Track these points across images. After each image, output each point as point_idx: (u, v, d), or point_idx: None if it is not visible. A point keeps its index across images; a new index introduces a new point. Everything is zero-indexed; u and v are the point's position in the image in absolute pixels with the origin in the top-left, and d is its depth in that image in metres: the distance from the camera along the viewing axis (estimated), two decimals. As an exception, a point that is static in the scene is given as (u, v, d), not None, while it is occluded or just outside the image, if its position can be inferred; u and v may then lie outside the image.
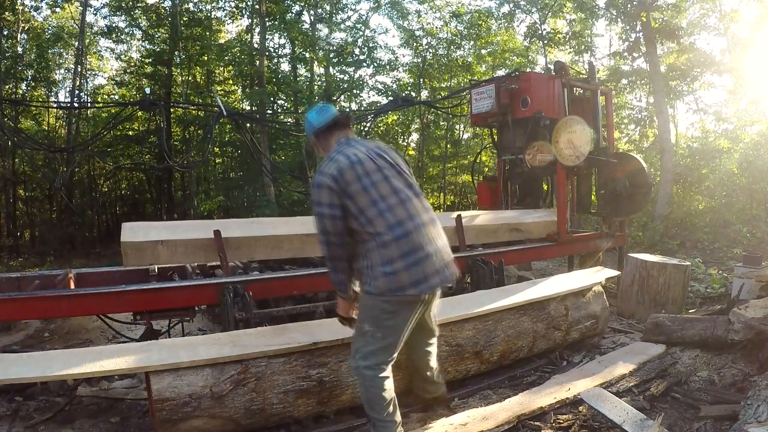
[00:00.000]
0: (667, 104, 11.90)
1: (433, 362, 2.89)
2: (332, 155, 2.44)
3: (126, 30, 15.32)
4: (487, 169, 14.47)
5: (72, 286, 4.18)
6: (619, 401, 2.99)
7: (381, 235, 2.30)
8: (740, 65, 12.72)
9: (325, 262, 2.47)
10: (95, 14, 18.14)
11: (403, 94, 15.56)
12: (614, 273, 4.92)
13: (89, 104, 15.09)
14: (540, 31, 14.64)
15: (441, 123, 17.13)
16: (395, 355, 2.49)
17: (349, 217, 2.34)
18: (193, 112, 14.49)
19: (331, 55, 16.03)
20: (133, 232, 3.83)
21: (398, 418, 2.52)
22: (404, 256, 2.29)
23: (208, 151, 12.70)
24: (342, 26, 16.48)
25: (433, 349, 2.88)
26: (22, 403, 3.26)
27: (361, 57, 16.04)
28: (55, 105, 14.72)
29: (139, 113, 13.22)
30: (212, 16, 16.07)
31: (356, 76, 16.62)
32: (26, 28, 14.58)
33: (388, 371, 2.46)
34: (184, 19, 14.76)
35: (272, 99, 15.53)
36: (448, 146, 17.18)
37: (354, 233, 2.39)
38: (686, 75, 12.53)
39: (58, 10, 15.43)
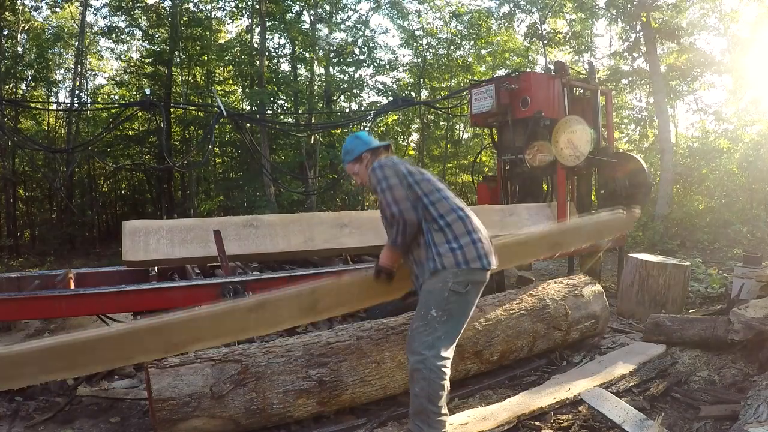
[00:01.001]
0: (667, 104, 11.90)
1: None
2: (381, 160, 2.67)
3: (126, 30, 15.34)
4: (487, 169, 14.48)
5: (72, 286, 4.18)
6: (619, 401, 2.99)
7: (444, 216, 2.50)
8: (740, 65, 12.73)
9: (394, 236, 2.51)
10: (95, 14, 18.22)
11: (403, 94, 15.57)
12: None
13: (89, 105, 15.09)
14: (540, 31, 14.64)
15: (441, 123, 17.14)
16: (455, 344, 2.53)
17: (416, 199, 2.52)
18: (193, 112, 14.50)
19: (331, 55, 16.03)
20: (134, 244, 3.84)
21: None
22: (468, 233, 2.49)
23: (208, 151, 12.71)
24: (342, 26, 16.50)
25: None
26: (22, 403, 3.26)
27: (361, 57, 16.05)
28: (55, 106, 14.72)
29: (139, 113, 13.23)
30: (212, 16, 16.09)
31: (356, 76, 16.64)
32: (26, 28, 14.58)
33: (450, 363, 2.47)
34: (184, 19, 14.77)
35: (272, 99, 15.53)
36: (448, 146, 17.20)
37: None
38: (686, 75, 12.53)
39: (58, 10, 15.45)
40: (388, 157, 2.73)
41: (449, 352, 2.46)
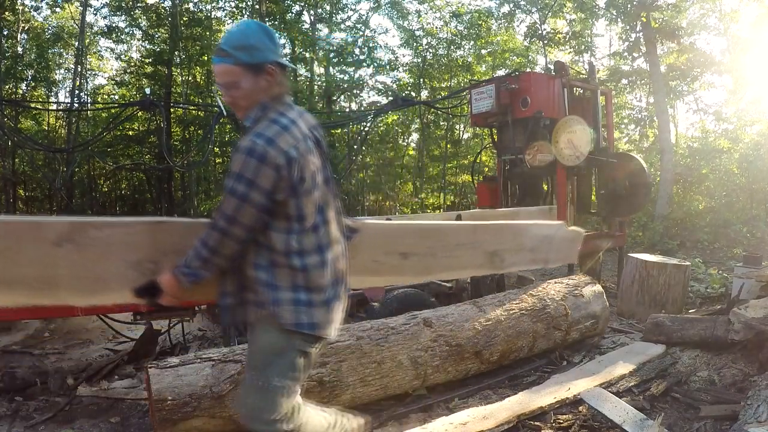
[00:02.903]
0: (667, 104, 11.91)
1: None
2: (282, 120, 1.68)
3: (126, 30, 15.34)
4: (487, 169, 14.48)
5: (72, 286, 4.17)
6: (619, 401, 2.99)
7: (304, 256, 1.72)
8: (740, 65, 12.74)
9: (201, 250, 1.69)
10: (95, 14, 18.18)
11: (403, 94, 15.57)
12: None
13: (89, 105, 15.10)
14: (540, 31, 14.65)
15: (441, 123, 17.14)
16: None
17: (279, 217, 1.68)
18: (193, 112, 14.50)
19: (331, 55, 16.04)
20: None
21: None
22: (324, 289, 1.77)
23: (208, 151, 12.71)
24: (342, 26, 16.51)
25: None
26: (22, 403, 3.26)
27: (361, 57, 16.07)
28: (55, 106, 14.74)
29: (139, 113, 13.23)
30: (212, 16, 16.09)
31: (356, 76, 16.65)
32: (26, 28, 14.59)
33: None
34: (184, 19, 14.77)
35: (272, 99, 15.53)
36: (448, 146, 17.19)
37: (265, 238, 1.71)
38: (686, 75, 12.55)
39: (58, 10, 15.46)
40: (288, 110, 1.74)
41: (296, 418, 1.83)
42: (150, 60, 15.46)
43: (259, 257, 1.73)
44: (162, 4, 15.20)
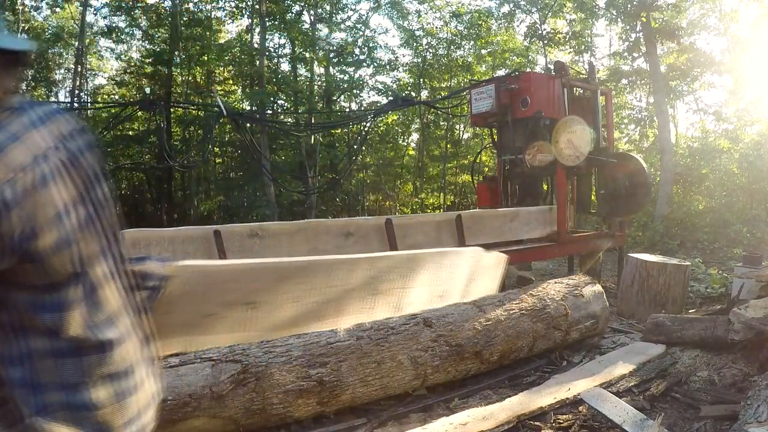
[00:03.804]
0: (667, 104, 11.92)
1: None
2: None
3: (126, 30, 15.34)
4: (487, 169, 14.47)
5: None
6: (619, 401, 2.99)
7: (75, 338, 1.06)
8: (740, 65, 12.75)
9: None
10: (95, 14, 18.10)
11: (403, 94, 15.57)
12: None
13: (89, 105, 15.10)
14: (540, 31, 14.66)
15: (441, 123, 17.15)
16: None
17: (18, 288, 1.01)
18: (193, 112, 14.50)
19: (331, 55, 16.05)
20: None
21: None
22: (112, 379, 1.11)
23: (208, 151, 12.72)
24: (342, 26, 16.51)
25: None
26: (22, 403, 3.25)
27: (361, 57, 16.08)
28: (55, 106, 14.74)
29: (139, 113, 13.24)
30: (212, 16, 16.10)
31: (356, 76, 16.66)
32: (26, 28, 14.60)
33: None
34: (184, 19, 14.77)
35: (272, 99, 15.54)
36: (448, 146, 17.19)
37: (10, 317, 1.03)
38: (686, 75, 12.57)
39: (58, 10, 15.46)
40: (9, 133, 0.91)
41: None
42: (150, 60, 15.46)
43: (7, 346, 1.05)
44: (162, 4, 15.21)
